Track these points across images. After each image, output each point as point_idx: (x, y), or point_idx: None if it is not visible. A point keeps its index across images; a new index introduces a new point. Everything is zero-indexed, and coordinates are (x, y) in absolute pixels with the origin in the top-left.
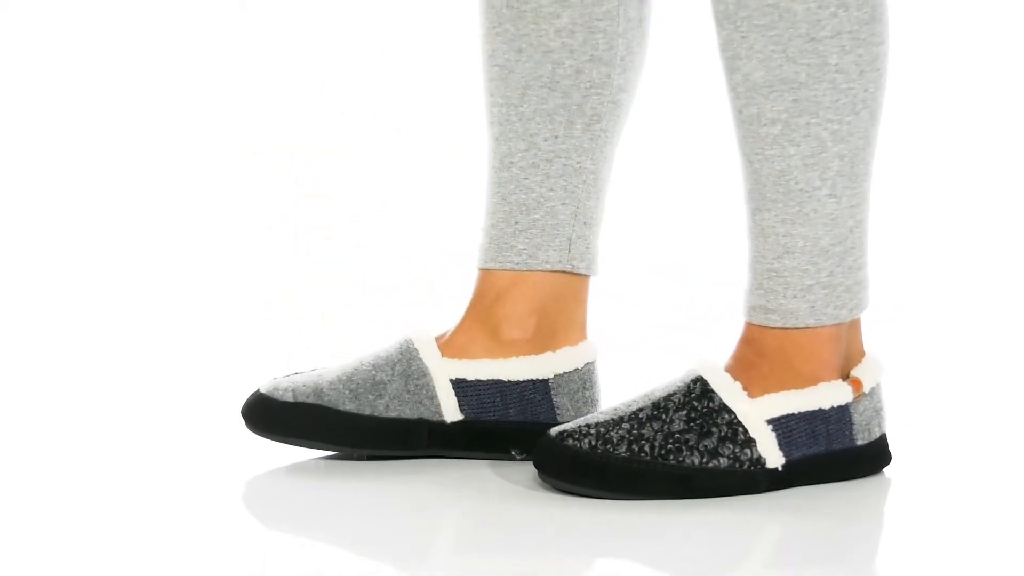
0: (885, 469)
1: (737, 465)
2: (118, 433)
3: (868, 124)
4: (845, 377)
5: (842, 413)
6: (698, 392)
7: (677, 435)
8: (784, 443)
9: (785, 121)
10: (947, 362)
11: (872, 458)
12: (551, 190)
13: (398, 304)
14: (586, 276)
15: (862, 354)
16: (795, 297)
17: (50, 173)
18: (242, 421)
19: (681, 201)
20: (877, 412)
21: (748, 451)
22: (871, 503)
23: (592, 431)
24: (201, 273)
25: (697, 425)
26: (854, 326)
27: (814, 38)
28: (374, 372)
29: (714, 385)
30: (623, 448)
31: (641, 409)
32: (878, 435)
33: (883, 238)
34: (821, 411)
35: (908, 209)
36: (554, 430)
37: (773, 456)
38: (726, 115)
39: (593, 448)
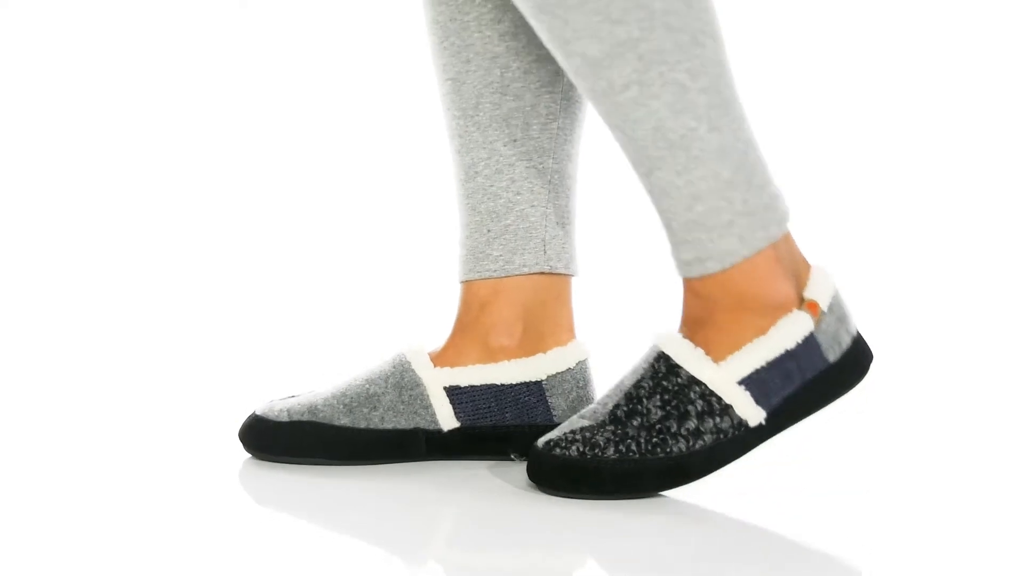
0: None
1: (722, 436)
2: (116, 457)
3: (716, 50)
4: (800, 302)
5: (808, 343)
6: (664, 370)
7: (659, 425)
8: (761, 397)
9: (639, 81)
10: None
11: (851, 366)
12: (518, 194)
13: (391, 322)
14: (567, 276)
15: (807, 265)
16: (721, 237)
17: (39, 180)
18: (240, 444)
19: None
20: (842, 321)
21: (728, 419)
22: (858, 500)
23: (579, 437)
24: (194, 298)
25: (673, 407)
26: (788, 240)
27: None
28: (367, 386)
29: (677, 358)
30: (611, 450)
31: (617, 406)
32: (849, 342)
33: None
34: (788, 351)
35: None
36: (541, 441)
37: (753, 414)
38: None
39: (582, 454)
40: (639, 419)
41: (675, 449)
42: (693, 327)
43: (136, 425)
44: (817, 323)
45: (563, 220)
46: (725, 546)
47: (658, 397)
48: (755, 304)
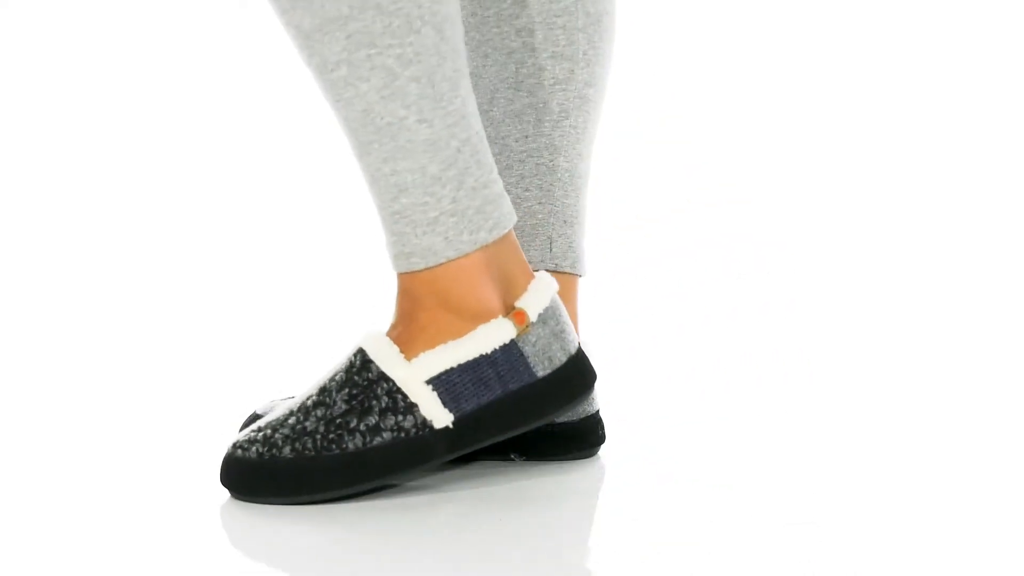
0: None
1: (402, 435)
2: (115, 457)
3: (436, 40)
4: (509, 309)
5: (510, 351)
6: (359, 365)
7: (339, 420)
8: (450, 399)
9: (347, 60)
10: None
11: (563, 384)
12: (527, 190)
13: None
14: (572, 275)
15: (528, 276)
16: (426, 233)
17: (37, 180)
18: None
19: (678, 200)
20: (558, 335)
21: (411, 417)
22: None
23: (260, 436)
24: (194, 298)
25: (358, 403)
26: (509, 248)
27: None
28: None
29: (372, 354)
30: (287, 449)
31: (309, 396)
32: (564, 359)
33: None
34: (484, 356)
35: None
36: (230, 442)
37: (439, 416)
38: (725, 112)
39: (260, 455)
40: (323, 410)
41: (351, 445)
42: (399, 324)
43: (136, 424)
44: (522, 333)
45: (571, 219)
46: (729, 553)
47: (346, 391)
48: (458, 307)
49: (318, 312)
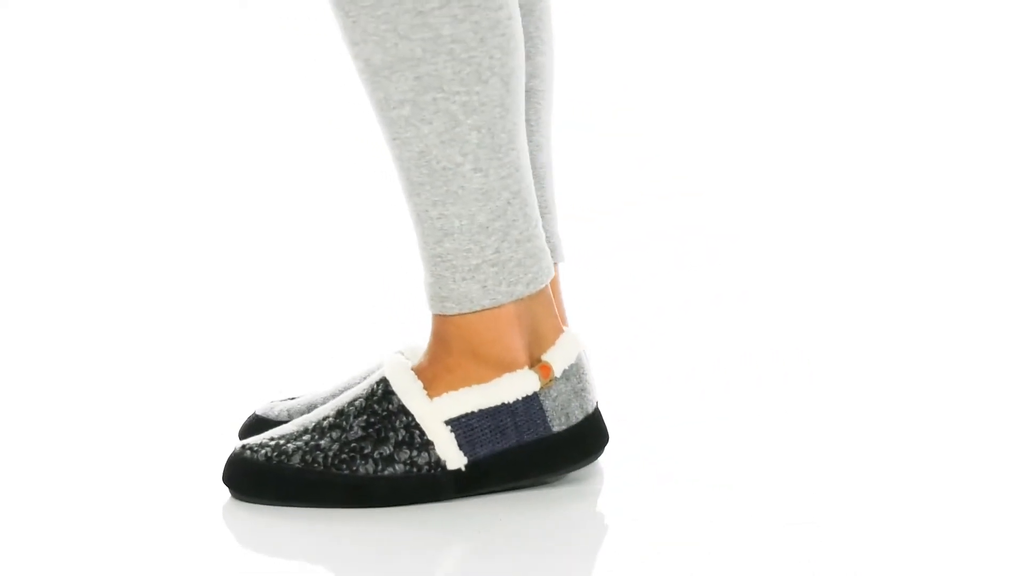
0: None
1: (414, 470)
2: (115, 457)
3: (502, 92)
4: (535, 362)
5: (530, 403)
6: (380, 394)
7: (354, 444)
8: (466, 443)
9: (413, 100)
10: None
11: (576, 441)
12: None
13: (392, 320)
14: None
15: (557, 331)
16: (464, 280)
17: (39, 180)
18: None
19: (631, 193)
20: (578, 393)
21: (426, 454)
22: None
23: (272, 443)
24: (194, 297)
25: (375, 431)
26: (543, 302)
27: (422, 11)
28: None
29: (395, 386)
30: (297, 459)
31: (326, 417)
32: (581, 417)
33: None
34: (505, 405)
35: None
36: (239, 443)
37: (454, 457)
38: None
39: (268, 459)
40: (338, 433)
41: (362, 470)
42: (427, 360)
43: (136, 424)
44: (545, 387)
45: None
46: (729, 553)
47: (364, 417)
48: (485, 356)
49: (318, 312)
